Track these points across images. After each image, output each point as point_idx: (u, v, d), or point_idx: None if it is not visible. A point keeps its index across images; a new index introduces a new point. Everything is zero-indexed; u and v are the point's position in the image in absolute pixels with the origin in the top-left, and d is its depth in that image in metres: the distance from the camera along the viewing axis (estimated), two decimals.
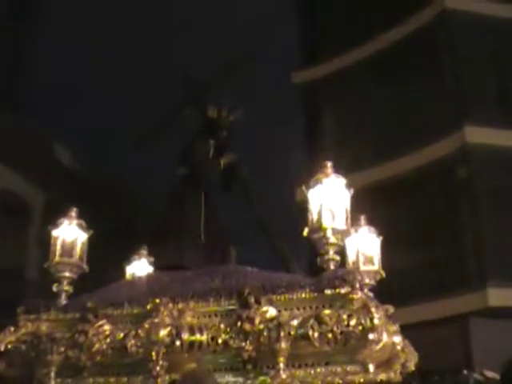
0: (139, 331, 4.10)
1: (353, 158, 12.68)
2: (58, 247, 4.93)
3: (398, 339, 4.26)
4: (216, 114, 5.39)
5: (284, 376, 3.60)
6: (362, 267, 4.72)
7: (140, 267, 6.06)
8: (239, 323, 3.87)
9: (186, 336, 3.96)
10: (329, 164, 4.37)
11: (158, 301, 4.16)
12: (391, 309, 4.45)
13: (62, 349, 4.32)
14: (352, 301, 3.73)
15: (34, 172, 14.27)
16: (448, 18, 12.49)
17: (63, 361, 4.31)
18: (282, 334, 3.67)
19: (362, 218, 5.02)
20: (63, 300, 4.81)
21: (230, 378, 3.87)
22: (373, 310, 3.61)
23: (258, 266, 4.65)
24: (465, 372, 5.38)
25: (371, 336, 3.56)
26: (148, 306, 4.24)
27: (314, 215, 4.21)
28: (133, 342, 4.09)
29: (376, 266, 5.00)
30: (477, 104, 11.93)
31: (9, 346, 4.55)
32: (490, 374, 4.58)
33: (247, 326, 3.82)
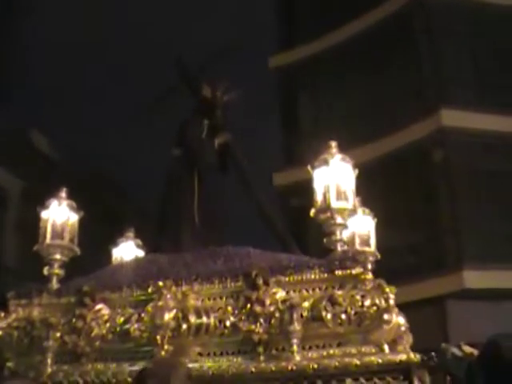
0: (142, 315, 3.97)
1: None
2: (49, 229, 4.73)
3: (402, 320, 4.23)
4: (210, 94, 5.25)
5: (298, 358, 3.53)
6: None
7: (127, 250, 5.91)
8: (249, 305, 3.78)
9: (192, 319, 3.85)
10: (333, 144, 4.29)
11: (161, 284, 4.03)
12: (394, 289, 4.41)
13: (58, 334, 4.16)
14: (364, 281, 3.69)
15: (11, 159, 13.85)
16: (424, 2, 12.50)
17: (60, 347, 4.15)
18: (294, 315, 3.59)
19: (357, 200, 4.86)
20: (54, 284, 4.63)
21: (239, 360, 3.76)
22: (387, 290, 3.57)
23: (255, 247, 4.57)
24: (443, 345, 5.37)
25: (386, 316, 3.52)
26: (149, 290, 4.11)
27: (319, 196, 4.14)
28: (136, 326, 3.96)
29: (372, 247, 4.96)
30: (453, 87, 12.03)
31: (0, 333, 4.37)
32: (468, 348, 4.57)
33: (257, 308, 3.73)
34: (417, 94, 12.15)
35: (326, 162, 4.13)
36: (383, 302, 3.52)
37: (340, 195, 4.04)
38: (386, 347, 3.51)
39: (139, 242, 5.86)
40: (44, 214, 4.83)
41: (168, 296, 3.98)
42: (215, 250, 4.49)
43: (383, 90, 12.51)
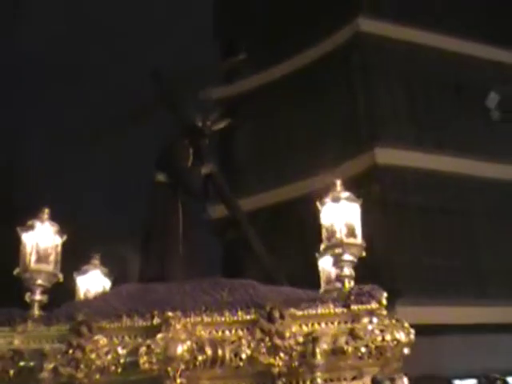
0: (153, 346, 3.82)
1: (265, 176, 12.97)
2: (33, 253, 4.41)
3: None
4: (201, 122, 5.24)
5: None
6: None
7: (93, 278, 5.63)
8: (267, 338, 3.79)
9: (209, 351, 3.78)
10: (338, 182, 4.47)
11: (170, 314, 3.92)
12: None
13: (52, 365, 3.87)
14: (380, 316, 3.86)
15: None
16: (361, 41, 13.09)
17: (53, 379, 3.86)
18: (317, 349, 3.66)
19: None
20: (36, 311, 4.31)
21: None
22: (406, 325, 3.76)
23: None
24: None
25: (406, 350, 3.71)
26: (155, 319, 3.98)
27: (328, 232, 4.27)
28: (145, 358, 3.80)
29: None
30: (387, 125, 12.73)
31: None
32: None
33: (278, 341, 3.76)
34: (352, 131, 12.68)
35: (336, 199, 4.29)
36: (404, 336, 3.70)
37: (349, 232, 4.20)
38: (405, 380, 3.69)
39: (105, 269, 5.62)
40: (25, 236, 4.51)
41: (178, 327, 3.88)
42: (215, 281, 4.45)
43: (321, 126, 12.92)
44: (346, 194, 4.33)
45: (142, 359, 3.79)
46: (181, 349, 3.78)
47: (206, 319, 3.96)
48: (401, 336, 3.70)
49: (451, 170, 11.87)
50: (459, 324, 10.73)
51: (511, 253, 11.59)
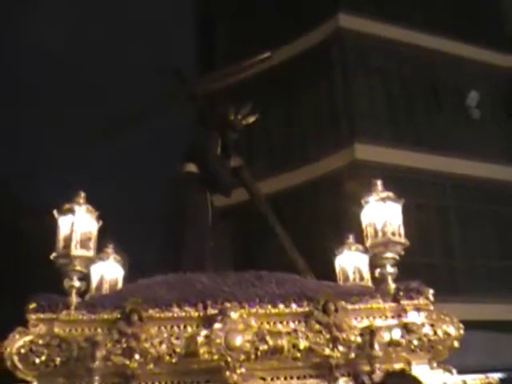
0: (212, 337, 3.81)
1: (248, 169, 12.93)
2: (73, 237, 4.24)
3: None
4: (233, 115, 5.25)
5: (378, 380, 3.74)
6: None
7: (107, 267, 5.47)
8: (326, 330, 3.88)
9: (271, 342, 3.82)
10: (379, 182, 4.62)
11: (228, 305, 3.92)
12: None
13: (102, 354, 3.76)
14: (427, 311, 4.06)
15: None
16: (341, 37, 13.12)
17: (105, 368, 3.76)
18: (376, 341, 3.80)
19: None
20: (74, 297, 4.16)
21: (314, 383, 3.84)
22: (455, 319, 3.98)
23: None
24: None
25: (456, 343, 3.93)
26: (209, 310, 3.96)
27: (368, 231, 4.42)
28: (205, 348, 3.78)
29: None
30: (366, 122, 12.78)
31: (22, 351, 3.79)
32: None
33: (337, 333, 3.86)
34: (331, 127, 12.83)
35: (382, 199, 4.43)
36: (454, 330, 3.92)
37: (395, 231, 4.36)
38: (453, 370, 3.90)
39: (119, 257, 5.48)
40: (63, 220, 4.32)
41: (235, 318, 3.89)
42: (258, 274, 4.48)
43: (301, 121, 12.98)
44: (391, 194, 4.49)
45: (202, 349, 3.78)
46: (241, 339, 3.80)
47: (261, 311, 4.00)
48: (451, 330, 3.92)
49: (428, 167, 12.25)
50: None
51: (484, 250, 12.23)
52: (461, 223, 12.03)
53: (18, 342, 3.81)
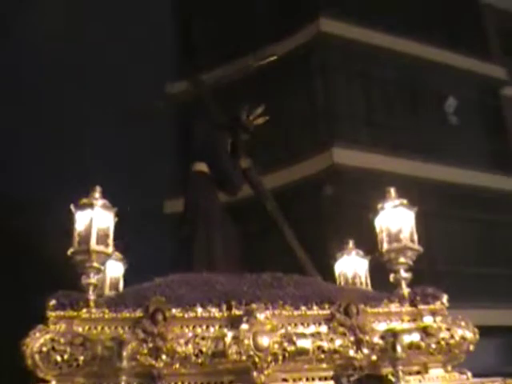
0: (240, 337, 3.80)
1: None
2: (92, 233, 4.12)
3: None
4: (245, 116, 5.25)
5: (403, 383, 3.85)
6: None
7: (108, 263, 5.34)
8: (349, 332, 3.95)
9: (299, 343, 3.85)
10: (392, 189, 4.73)
11: (254, 306, 3.92)
12: None
13: (128, 353, 3.68)
14: (443, 315, 4.20)
15: None
16: (322, 41, 13.14)
17: (131, 368, 3.67)
18: (398, 344, 3.90)
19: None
20: (91, 295, 4.04)
21: None
22: (470, 324, 4.14)
23: None
24: None
25: (471, 347, 4.09)
26: (234, 311, 3.94)
27: (384, 237, 4.53)
28: (234, 348, 3.77)
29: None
30: (345, 125, 12.93)
31: (43, 349, 3.66)
32: None
33: (361, 336, 3.94)
34: (310, 131, 12.84)
35: (396, 206, 4.55)
36: (470, 334, 4.08)
37: (409, 237, 4.49)
38: (468, 373, 4.06)
39: (119, 255, 5.35)
40: (80, 215, 4.19)
41: (261, 319, 3.90)
42: (274, 275, 4.50)
43: (281, 124, 12.93)
44: (404, 201, 4.62)
45: (231, 350, 3.77)
46: (269, 340, 3.82)
47: (285, 312, 4.03)
48: (467, 334, 4.08)
49: (406, 172, 12.49)
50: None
51: (461, 256, 12.58)
52: (438, 228, 12.33)
53: (39, 340, 3.68)
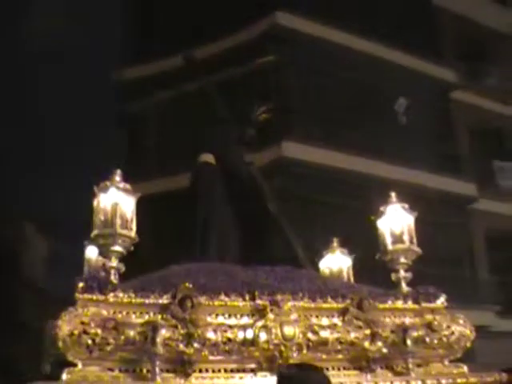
0: (269, 326, 3.90)
1: (167, 162, 12.44)
2: (117, 216, 4.03)
3: None
4: (253, 112, 5.31)
5: (413, 375, 4.12)
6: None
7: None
8: (365, 325, 4.16)
9: (320, 334, 4.01)
10: (393, 194, 5.02)
11: (279, 297, 4.04)
12: None
13: (161, 339, 3.66)
14: (443, 313, 4.53)
15: None
16: (277, 34, 13.24)
17: (163, 354, 3.66)
18: (409, 337, 4.18)
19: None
20: (114, 279, 3.98)
21: (352, 377, 4.09)
22: (468, 322, 4.50)
23: None
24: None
25: (468, 344, 4.45)
26: (259, 301, 4.03)
27: (384, 240, 4.83)
28: (264, 337, 3.86)
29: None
30: (297, 120, 13.08)
31: (75, 332, 3.56)
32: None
33: (375, 329, 4.16)
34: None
35: (398, 210, 4.85)
36: (469, 331, 4.44)
37: (398, 238, 4.80)
38: (465, 368, 4.41)
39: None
40: (103, 197, 4.09)
41: (286, 309, 4.02)
42: (287, 268, 4.63)
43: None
44: (406, 205, 4.93)
45: (260, 339, 3.87)
46: (294, 330, 3.95)
47: (305, 304, 4.18)
48: (465, 331, 4.44)
49: (355, 168, 12.80)
50: None
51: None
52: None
53: (71, 322, 3.58)
